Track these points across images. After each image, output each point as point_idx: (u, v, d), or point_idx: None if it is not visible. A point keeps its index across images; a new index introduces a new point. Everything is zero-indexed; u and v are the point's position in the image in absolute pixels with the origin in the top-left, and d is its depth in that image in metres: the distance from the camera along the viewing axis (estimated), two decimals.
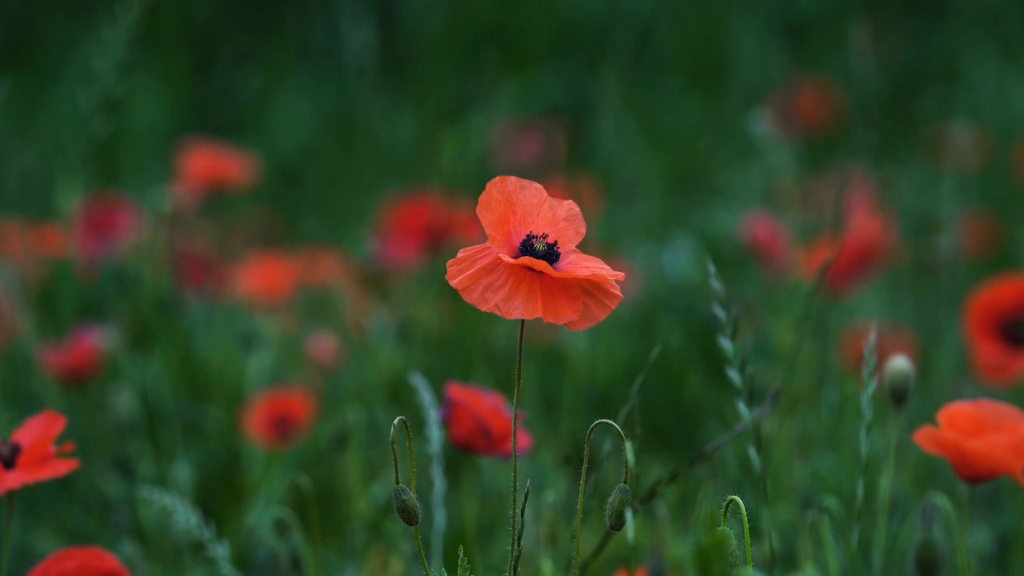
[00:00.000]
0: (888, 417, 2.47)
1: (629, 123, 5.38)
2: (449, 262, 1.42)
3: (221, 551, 1.81)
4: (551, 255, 1.43)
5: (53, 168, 3.93)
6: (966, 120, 4.89)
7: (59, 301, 3.20)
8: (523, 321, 1.43)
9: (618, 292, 1.43)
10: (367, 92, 5.08)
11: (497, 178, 1.45)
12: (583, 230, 1.46)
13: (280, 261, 3.73)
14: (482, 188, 1.45)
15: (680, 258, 3.51)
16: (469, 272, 1.41)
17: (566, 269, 1.42)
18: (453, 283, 1.41)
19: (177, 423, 2.74)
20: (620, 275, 1.43)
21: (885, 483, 1.75)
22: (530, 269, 1.41)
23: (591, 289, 1.42)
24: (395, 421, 1.43)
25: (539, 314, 1.40)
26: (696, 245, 3.58)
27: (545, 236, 1.44)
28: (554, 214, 1.46)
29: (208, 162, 3.51)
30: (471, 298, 1.40)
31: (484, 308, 1.40)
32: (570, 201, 1.47)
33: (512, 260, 1.40)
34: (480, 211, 1.43)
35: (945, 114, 5.32)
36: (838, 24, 6.10)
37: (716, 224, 3.74)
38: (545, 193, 1.46)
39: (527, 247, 1.43)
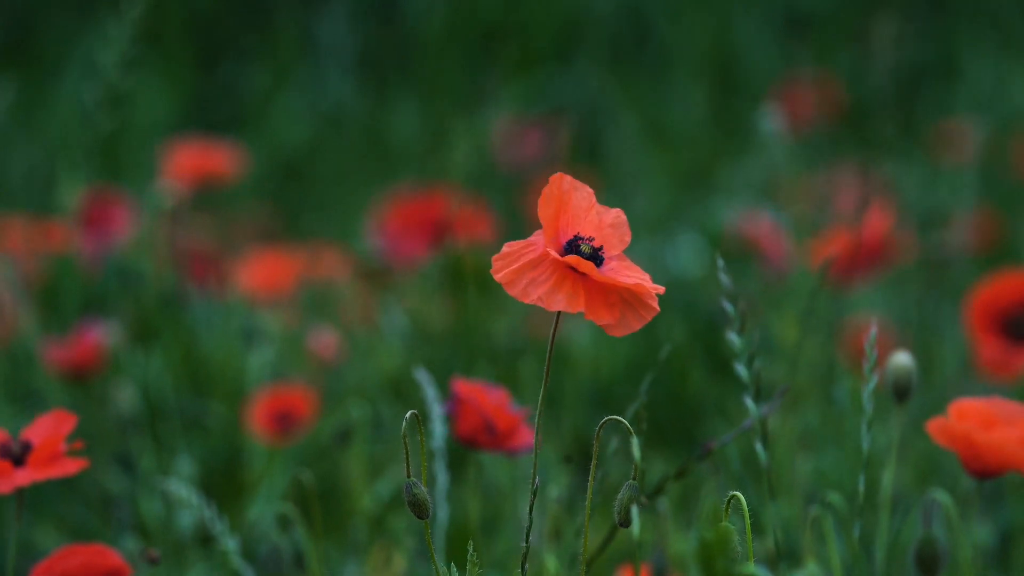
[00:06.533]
0: (890, 413, 2.48)
1: (632, 119, 5.38)
2: (494, 257, 1.42)
3: (232, 544, 1.82)
4: (596, 258, 1.43)
5: (56, 163, 3.94)
6: (967, 115, 4.89)
7: (61, 296, 3.20)
8: (556, 318, 1.44)
9: (655, 305, 1.43)
10: (370, 88, 5.08)
11: (557, 174, 1.45)
12: (628, 238, 1.47)
13: (282, 256, 3.73)
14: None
15: (682, 254, 3.51)
16: (514, 267, 1.42)
17: (609, 275, 1.43)
18: (497, 277, 1.41)
19: (179, 419, 2.74)
20: (660, 289, 1.43)
21: (887, 479, 1.75)
22: (573, 269, 1.42)
23: (629, 299, 1.43)
24: (407, 415, 1.43)
25: (582, 308, 1.41)
26: (698, 241, 3.58)
27: (591, 239, 1.44)
28: (600, 219, 1.46)
29: (196, 157, 3.52)
30: (514, 291, 1.41)
31: (527, 300, 1.41)
32: (618, 209, 1.48)
33: (559, 256, 1.41)
34: (540, 204, 1.43)
35: (945, 110, 5.32)
36: (841, 20, 6.10)
37: (718, 220, 3.74)
38: (594, 197, 1.46)
39: (573, 247, 1.44)
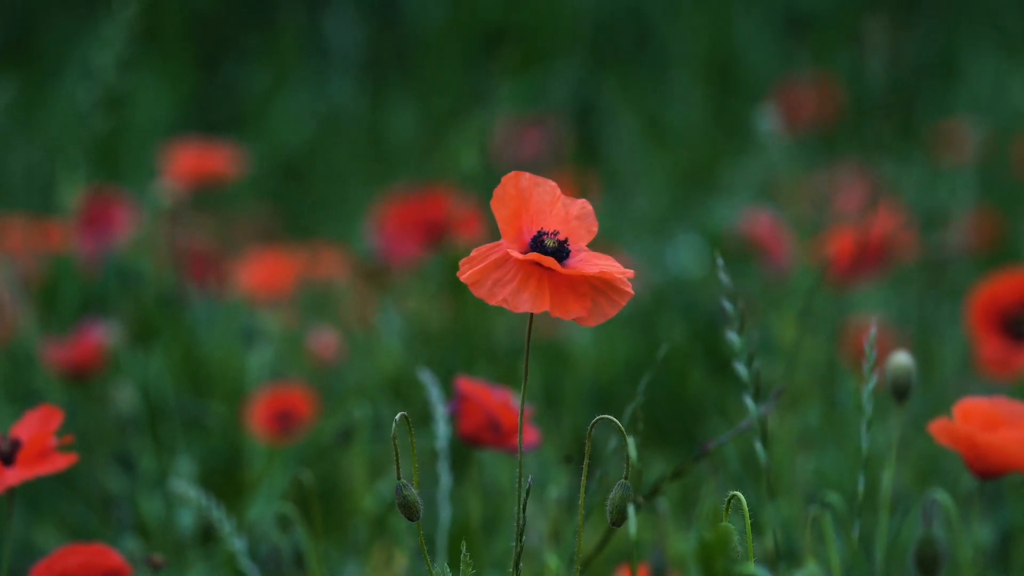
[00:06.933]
0: (891, 413, 2.48)
1: (632, 119, 5.38)
2: (462, 260, 1.42)
3: (240, 545, 1.82)
4: (561, 252, 1.43)
5: (56, 163, 3.94)
6: (967, 115, 4.89)
7: (61, 296, 3.20)
8: (531, 317, 1.43)
9: (629, 289, 1.42)
10: (369, 88, 5.08)
11: (511, 173, 1.44)
12: (595, 228, 1.46)
13: (282, 256, 3.73)
14: (485, 184, 1.45)
15: (682, 254, 3.51)
16: (479, 267, 1.41)
17: (576, 266, 1.42)
18: (463, 278, 1.41)
19: (179, 418, 2.74)
20: (630, 272, 1.43)
21: (887, 479, 1.75)
22: (539, 265, 1.42)
23: (601, 286, 1.42)
24: (397, 417, 1.43)
25: (547, 307, 1.40)
26: (698, 241, 3.59)
27: (556, 233, 1.44)
28: (567, 212, 1.46)
29: (195, 157, 3.52)
30: (480, 292, 1.41)
31: (492, 302, 1.40)
32: (583, 200, 1.47)
33: (520, 256, 1.40)
34: (494, 205, 1.43)
35: (945, 110, 5.32)
36: (840, 20, 6.10)
37: (718, 220, 3.74)
38: (558, 190, 1.46)
39: (537, 243, 1.43)
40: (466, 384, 1.81)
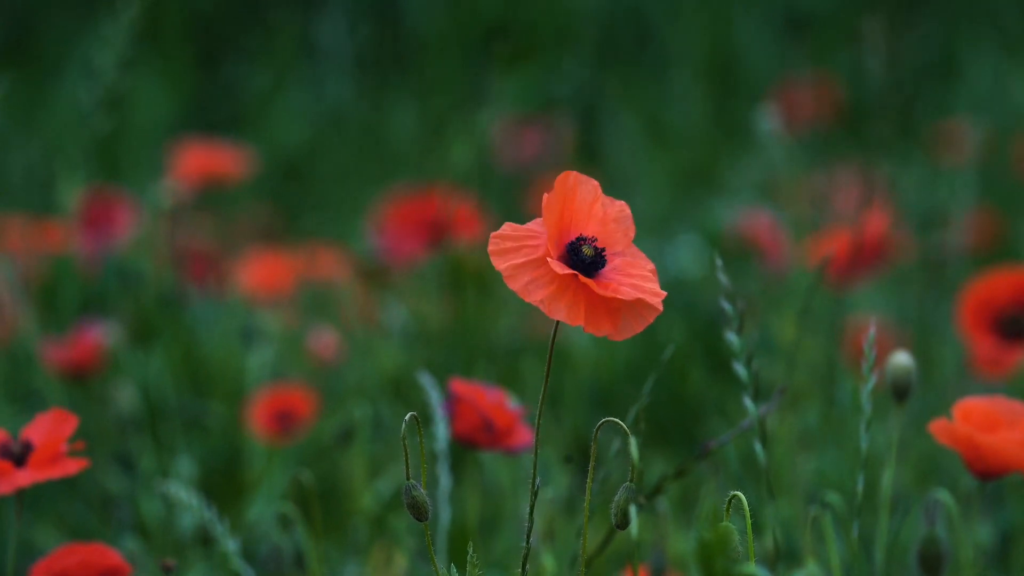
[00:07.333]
0: (891, 413, 2.48)
1: (632, 119, 5.37)
2: (493, 234, 1.41)
3: (232, 546, 1.82)
4: (597, 262, 1.42)
5: (56, 163, 3.94)
6: (967, 115, 4.89)
7: (61, 296, 3.20)
8: (557, 324, 1.43)
9: (658, 305, 1.42)
10: (369, 88, 5.08)
11: (563, 173, 1.44)
12: (632, 233, 1.46)
13: (281, 256, 3.73)
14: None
15: (682, 254, 3.51)
16: (517, 262, 1.40)
17: (611, 277, 1.42)
18: (498, 267, 1.40)
19: (179, 418, 2.74)
20: (662, 293, 1.42)
21: (887, 479, 1.75)
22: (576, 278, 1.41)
23: (635, 303, 1.42)
24: (407, 417, 1.43)
25: (581, 322, 1.40)
26: (698, 241, 3.58)
27: (594, 240, 1.43)
28: (605, 213, 1.45)
29: (203, 157, 3.52)
30: (515, 286, 1.40)
31: (528, 299, 1.40)
32: (622, 202, 1.47)
33: (560, 270, 1.40)
34: (544, 206, 1.42)
35: (945, 110, 5.32)
36: (840, 20, 6.10)
37: (717, 220, 3.74)
38: (599, 191, 1.45)
39: (574, 249, 1.43)
40: (459, 385, 1.81)
